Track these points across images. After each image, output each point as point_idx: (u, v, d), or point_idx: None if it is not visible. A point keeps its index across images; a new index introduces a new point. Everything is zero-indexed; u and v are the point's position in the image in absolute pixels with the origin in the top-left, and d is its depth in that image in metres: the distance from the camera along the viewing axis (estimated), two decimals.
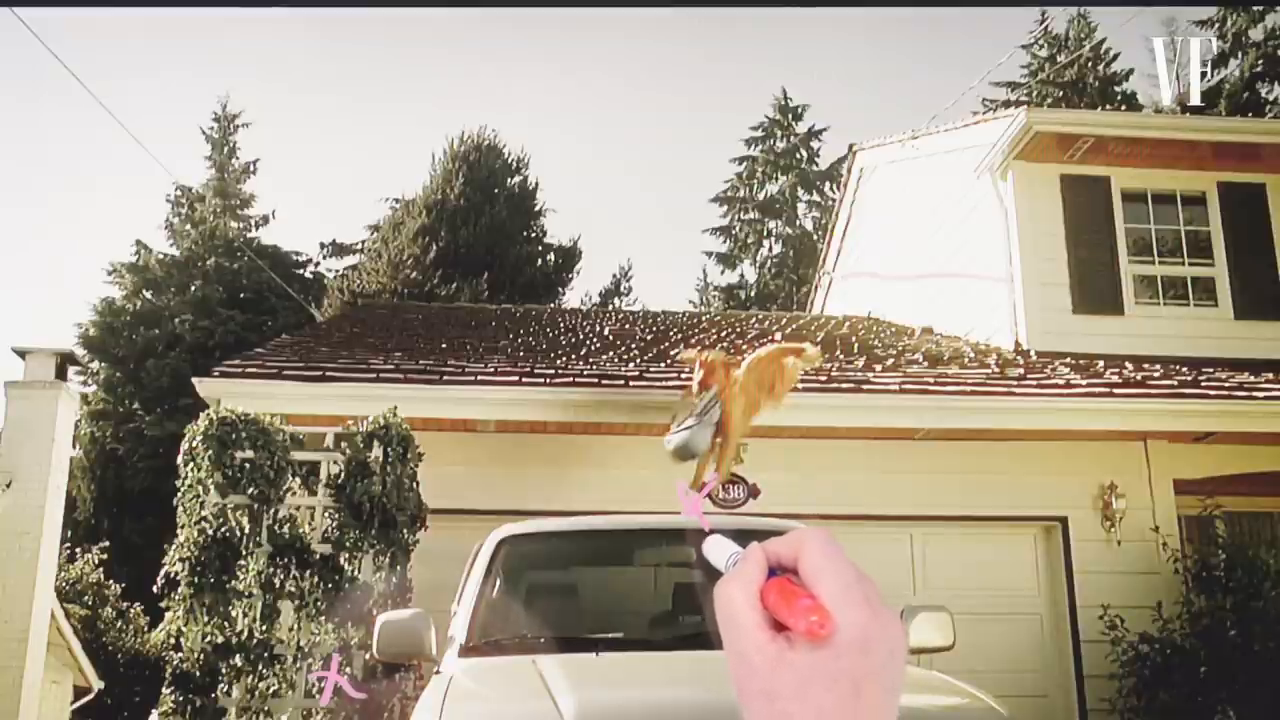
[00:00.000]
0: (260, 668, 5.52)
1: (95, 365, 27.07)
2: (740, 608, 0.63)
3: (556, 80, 51.77)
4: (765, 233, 32.70)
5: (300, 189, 48.64)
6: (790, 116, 33.24)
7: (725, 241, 32.80)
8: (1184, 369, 7.91)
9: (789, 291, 30.01)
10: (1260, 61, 23.72)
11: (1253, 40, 24.06)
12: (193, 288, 28.12)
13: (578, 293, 29.51)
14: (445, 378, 7.02)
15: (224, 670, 5.52)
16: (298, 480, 6.02)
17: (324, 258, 30.74)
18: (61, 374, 11.14)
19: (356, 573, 5.67)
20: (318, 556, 5.70)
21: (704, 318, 13.24)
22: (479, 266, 24.37)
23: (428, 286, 23.28)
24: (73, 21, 34.46)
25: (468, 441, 7.16)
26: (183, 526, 5.70)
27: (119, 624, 16.41)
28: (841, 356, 8.16)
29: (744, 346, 8.32)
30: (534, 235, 28.24)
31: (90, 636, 14.90)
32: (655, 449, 6.15)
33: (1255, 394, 7.26)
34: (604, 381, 7.09)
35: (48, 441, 10.64)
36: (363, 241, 29.68)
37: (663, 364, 7.79)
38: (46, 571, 10.74)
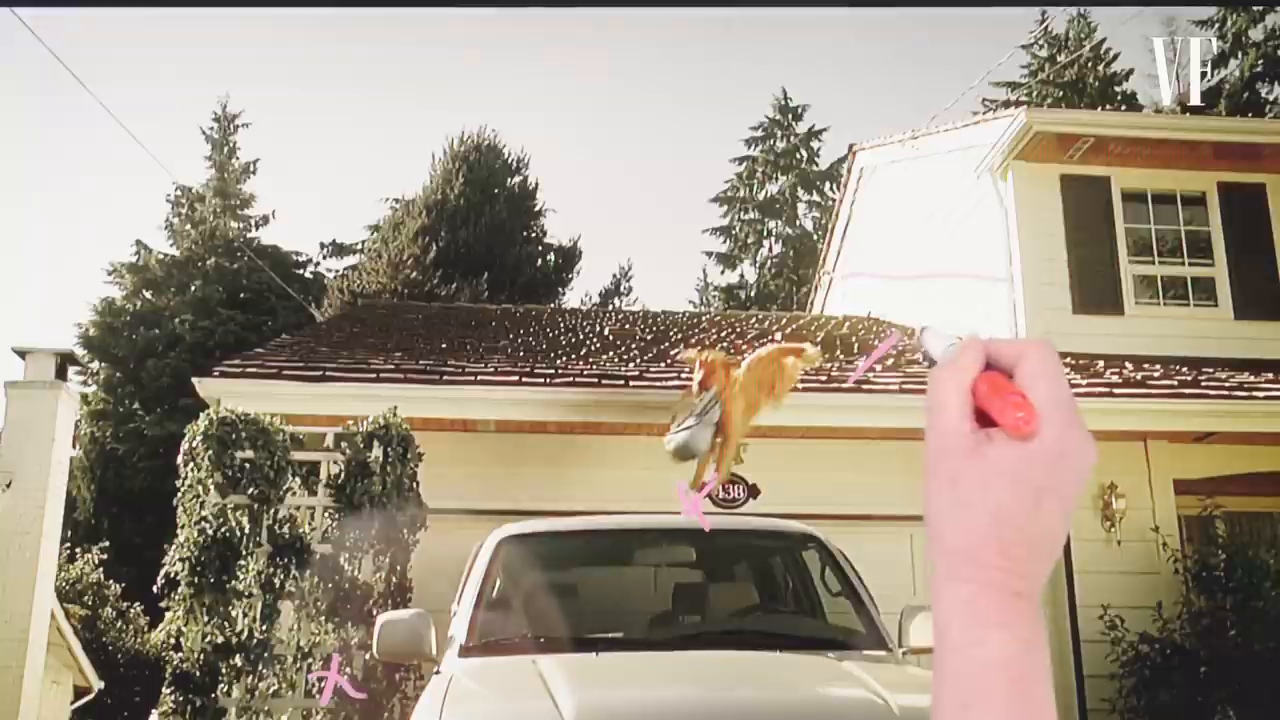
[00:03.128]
0: (260, 668, 5.52)
1: (95, 365, 27.07)
2: (949, 392, 0.64)
3: (556, 80, 51.80)
4: (765, 233, 32.71)
5: (300, 189, 48.66)
6: (790, 116, 33.26)
7: (725, 241, 32.81)
8: (1184, 369, 7.91)
9: (789, 291, 30.01)
10: (1260, 61, 23.71)
11: (1253, 40, 24.06)
12: (193, 288, 28.13)
13: (578, 293, 29.56)
14: (445, 378, 7.02)
15: (224, 670, 5.51)
16: (298, 480, 6.01)
17: (324, 258, 30.78)
18: (61, 374, 11.14)
19: (356, 573, 5.67)
20: (318, 556, 5.70)
21: (704, 318, 13.23)
22: (479, 266, 24.37)
23: (428, 286, 23.27)
24: (73, 21, 34.46)
25: (467, 441, 7.16)
26: (183, 526, 5.70)
27: (119, 624, 16.40)
28: (841, 356, 8.16)
29: (744, 346, 8.31)
30: (534, 235, 28.24)
31: (90, 636, 14.90)
32: (655, 449, 6.15)
33: (1255, 394, 7.26)
34: (604, 381, 7.09)
35: (48, 441, 10.64)
36: (363, 241, 29.69)
37: (663, 364, 7.79)
38: (46, 571, 10.74)
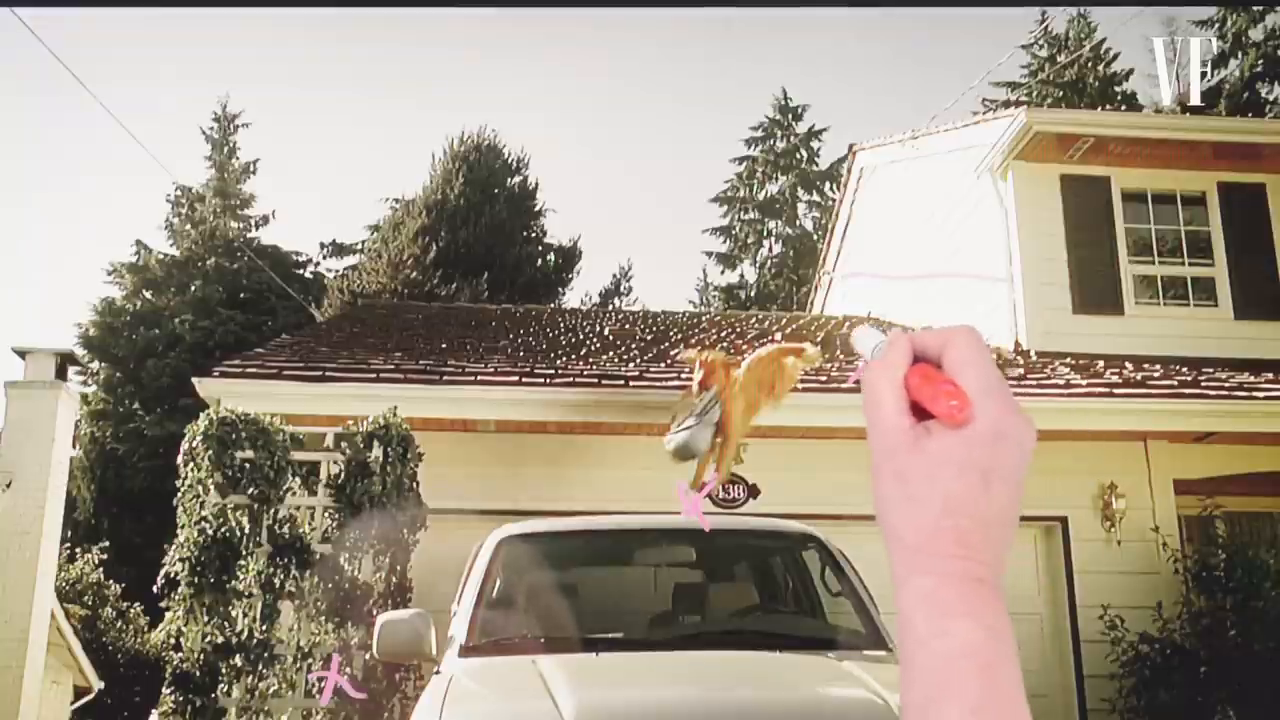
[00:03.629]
0: (260, 668, 5.52)
1: (95, 365, 27.08)
2: (884, 391, 0.65)
3: (556, 80, 51.80)
4: (765, 233, 32.71)
5: (300, 189, 48.67)
6: (790, 116, 33.26)
7: (725, 241, 32.81)
8: (1184, 369, 7.91)
9: (789, 291, 30.01)
10: (1260, 61, 23.71)
11: (1253, 40, 24.06)
12: (193, 288, 28.13)
13: (578, 293, 29.56)
14: (445, 378, 7.02)
15: (224, 670, 5.51)
16: (298, 480, 6.01)
17: (324, 258, 30.78)
18: (61, 374, 11.14)
19: (356, 573, 5.66)
20: (318, 556, 5.70)
21: (704, 318, 13.23)
22: (479, 266, 24.37)
23: (428, 286, 23.27)
24: (73, 21, 34.46)
25: (467, 441, 7.16)
26: (183, 526, 5.70)
27: (119, 624, 16.40)
28: (841, 356, 8.16)
29: (744, 346, 8.31)
30: (534, 235, 28.23)
31: (90, 636, 14.90)
32: (655, 449, 6.14)
33: (1255, 394, 7.26)
34: (604, 381, 7.09)
35: (48, 441, 10.64)
36: (363, 241, 29.69)
37: (663, 364, 7.79)
38: (46, 571, 10.74)
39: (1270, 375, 7.69)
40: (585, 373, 7.35)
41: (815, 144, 32.98)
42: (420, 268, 24.18)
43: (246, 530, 5.71)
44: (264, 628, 5.58)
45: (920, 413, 0.64)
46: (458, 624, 3.93)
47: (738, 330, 10.62)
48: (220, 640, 5.53)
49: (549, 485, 6.98)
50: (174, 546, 5.69)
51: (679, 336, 9.93)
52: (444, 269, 24.07)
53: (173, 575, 5.64)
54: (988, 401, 0.62)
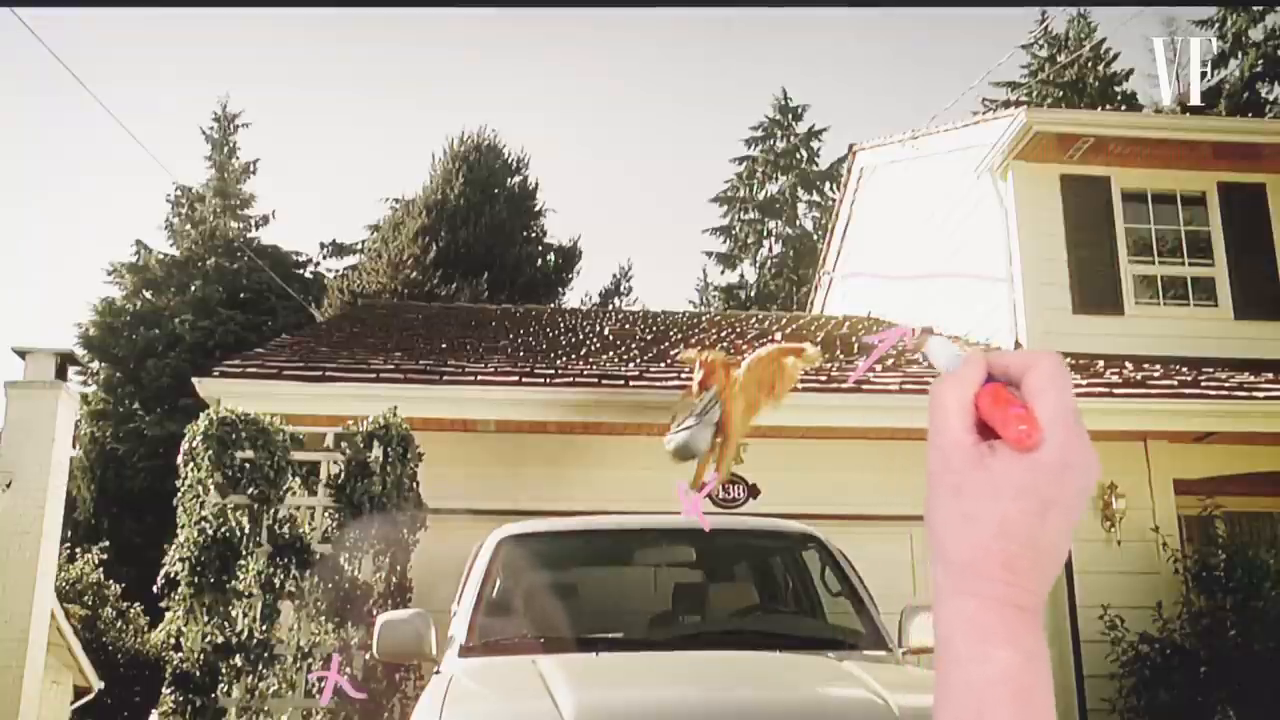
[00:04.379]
0: (260, 668, 5.52)
1: (95, 365, 27.08)
2: (952, 405, 0.64)
3: (556, 80, 51.80)
4: (765, 233, 32.71)
5: (300, 189, 48.67)
6: (790, 116, 33.26)
7: (725, 241, 32.82)
8: (1184, 369, 7.91)
9: (789, 291, 30.01)
10: (1260, 61, 23.71)
11: (1253, 40, 24.06)
12: (193, 288, 28.13)
13: (578, 293, 29.56)
14: (445, 378, 7.02)
15: (224, 670, 5.51)
16: (298, 480, 6.01)
17: (324, 258, 30.78)
18: (61, 374, 11.14)
19: (356, 573, 5.66)
20: (318, 556, 5.70)
21: (704, 318, 13.23)
22: (479, 266, 24.37)
23: (428, 286, 23.27)
24: (73, 21, 34.47)
25: (467, 441, 7.16)
26: (183, 526, 5.70)
27: (119, 624, 16.41)
28: (841, 356, 8.16)
29: (744, 346, 8.31)
30: (534, 235, 28.23)
31: (90, 636, 14.90)
32: (655, 449, 6.15)
33: (1255, 394, 7.26)
34: (604, 381, 7.09)
35: (48, 441, 10.64)
36: (363, 241, 29.68)
37: (663, 364, 7.79)
38: (46, 571, 10.74)
39: (1270, 375, 7.69)
40: (585, 373, 7.35)
41: (815, 144, 33.00)
42: (420, 268, 24.18)
43: (246, 530, 5.71)
44: (264, 628, 5.58)
45: (986, 433, 0.63)
46: (458, 624, 3.93)
47: (738, 330, 10.63)
48: (220, 640, 5.53)
49: (549, 485, 6.98)
50: (174, 546, 5.69)
51: (679, 336, 9.93)
52: (444, 269, 24.07)
53: (173, 575, 5.64)
54: (1059, 430, 0.62)
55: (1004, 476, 0.61)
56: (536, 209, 28.48)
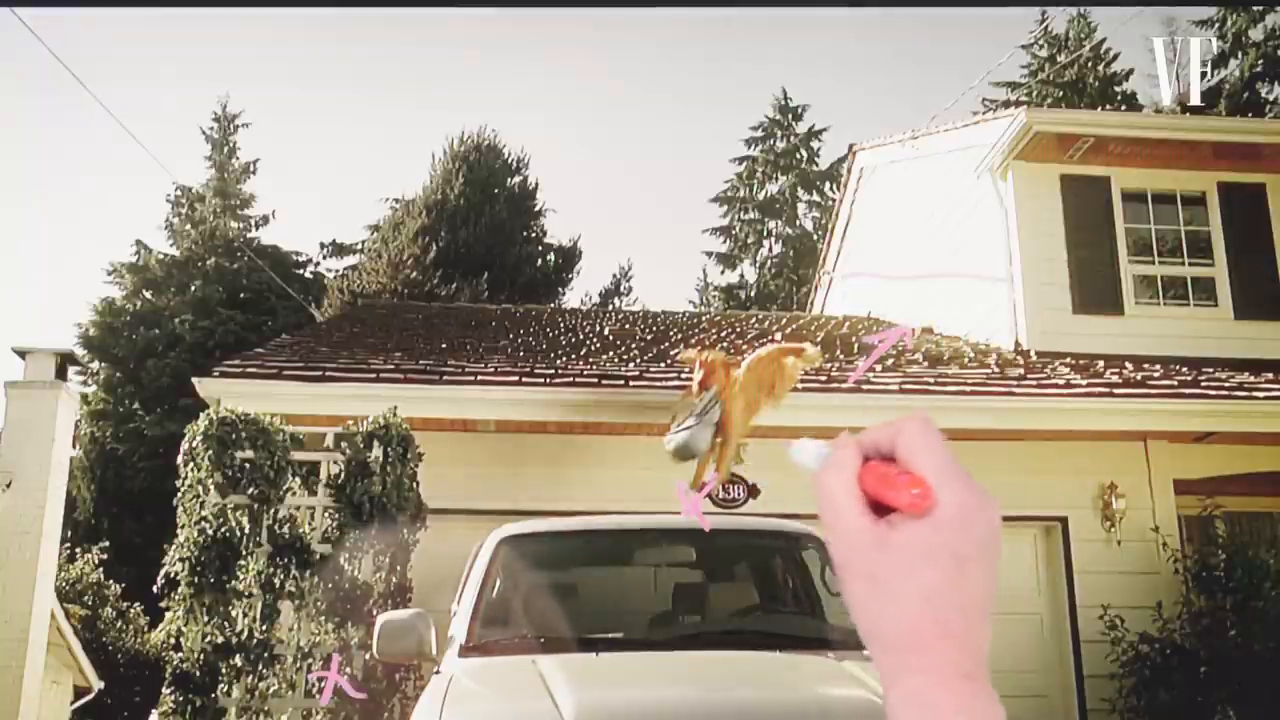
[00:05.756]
0: (260, 668, 5.52)
1: (95, 365, 27.08)
2: (840, 495, 0.64)
3: (556, 80, 51.81)
4: (765, 233, 32.71)
5: (300, 189, 48.67)
6: (790, 116, 33.26)
7: (725, 241, 32.81)
8: (1184, 369, 7.91)
9: (789, 291, 30.01)
10: (1260, 61, 23.71)
11: (1253, 40, 24.06)
12: (193, 288, 28.13)
13: (578, 293, 29.56)
14: (445, 378, 7.02)
15: (224, 670, 5.52)
16: (298, 480, 6.01)
17: (324, 258, 30.78)
18: (61, 374, 11.14)
19: (356, 573, 5.66)
20: (318, 556, 5.70)
21: (704, 318, 13.23)
22: (479, 266, 24.37)
23: (428, 286, 23.27)
24: (73, 21, 34.47)
25: (467, 441, 7.16)
26: (183, 526, 5.70)
27: (119, 624, 16.41)
28: (841, 356, 8.16)
29: (744, 346, 8.31)
30: (534, 235, 28.23)
31: (90, 636, 14.90)
32: (655, 449, 6.15)
33: (1255, 394, 7.26)
34: (604, 381, 7.09)
35: (48, 441, 10.64)
36: (363, 241, 29.68)
37: (663, 364, 7.79)
38: (46, 571, 10.74)
39: (1270, 375, 7.69)
40: (585, 373, 7.35)
41: (815, 144, 32.99)
42: (420, 268, 24.18)
43: (246, 530, 5.71)
44: (264, 628, 5.58)
45: (881, 511, 0.63)
46: (458, 624, 3.93)
47: (738, 330, 10.62)
48: (220, 640, 5.53)
49: (549, 485, 6.98)
50: (174, 546, 5.69)
51: (679, 336, 9.93)
52: (444, 269, 24.07)
53: (173, 575, 5.65)
54: (949, 484, 0.62)
55: (912, 546, 0.61)
56: (536, 209, 28.48)
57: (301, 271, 29.93)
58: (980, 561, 0.61)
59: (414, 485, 5.92)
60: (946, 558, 0.60)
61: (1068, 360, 8.14)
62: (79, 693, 14.22)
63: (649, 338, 9.87)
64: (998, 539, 0.63)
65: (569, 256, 28.59)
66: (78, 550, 17.13)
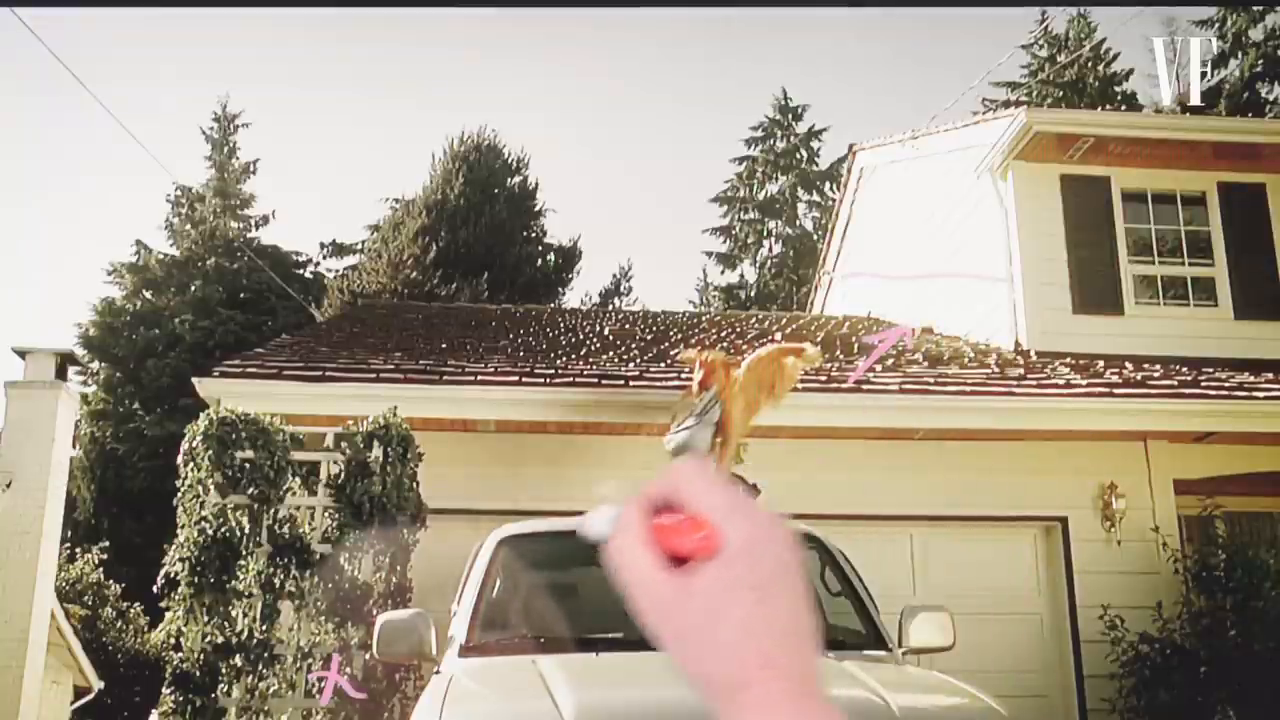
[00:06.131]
0: (260, 668, 5.52)
1: (95, 365, 27.08)
2: (633, 556, 0.64)
3: (557, 80, 51.80)
4: (765, 233, 32.70)
5: (300, 189, 48.66)
6: (790, 116, 33.25)
7: (725, 241, 32.81)
8: (1184, 369, 7.91)
9: (789, 291, 30.01)
10: (1260, 61, 23.71)
11: (1253, 40, 24.06)
12: (193, 288, 28.13)
13: (578, 293, 29.54)
14: (445, 378, 7.02)
15: (224, 670, 5.51)
16: (298, 480, 6.01)
17: (324, 258, 30.78)
18: (61, 374, 11.14)
19: (356, 573, 5.66)
20: (318, 556, 5.70)
21: (704, 318, 13.23)
22: (479, 266, 24.37)
23: (428, 286, 23.27)
24: (73, 21, 34.47)
25: (467, 441, 7.16)
26: (183, 526, 5.70)
27: (119, 624, 16.41)
28: (841, 356, 8.16)
29: (744, 346, 8.31)
30: (534, 235, 28.23)
31: (90, 636, 14.90)
32: (655, 449, 6.15)
33: (1255, 394, 7.26)
34: (604, 381, 7.09)
35: (48, 441, 10.64)
36: (363, 241, 29.68)
37: (663, 364, 7.79)
38: (46, 571, 10.74)
39: (1270, 375, 7.69)
40: (585, 373, 7.35)
41: (815, 144, 32.98)
42: (420, 268, 24.18)
43: (246, 530, 5.71)
44: (264, 628, 5.58)
45: (677, 562, 0.63)
46: (458, 624, 3.93)
47: (738, 330, 10.62)
48: (220, 640, 5.53)
49: (549, 485, 6.97)
50: (174, 546, 5.69)
51: (679, 336, 9.93)
52: (444, 269, 24.07)
53: (173, 575, 5.65)
54: (733, 520, 0.62)
55: (712, 588, 0.61)
56: (536, 209, 28.48)
57: (301, 271, 29.93)
58: (781, 588, 0.61)
59: (414, 485, 5.92)
60: (745, 592, 0.61)
61: (1068, 360, 8.14)
62: (79, 693, 14.23)
63: (649, 338, 9.87)
64: (794, 564, 0.63)
65: (569, 256, 28.59)
66: (78, 550, 17.13)
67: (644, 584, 0.64)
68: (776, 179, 32.91)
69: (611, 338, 9.82)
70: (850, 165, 13.43)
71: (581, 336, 9.89)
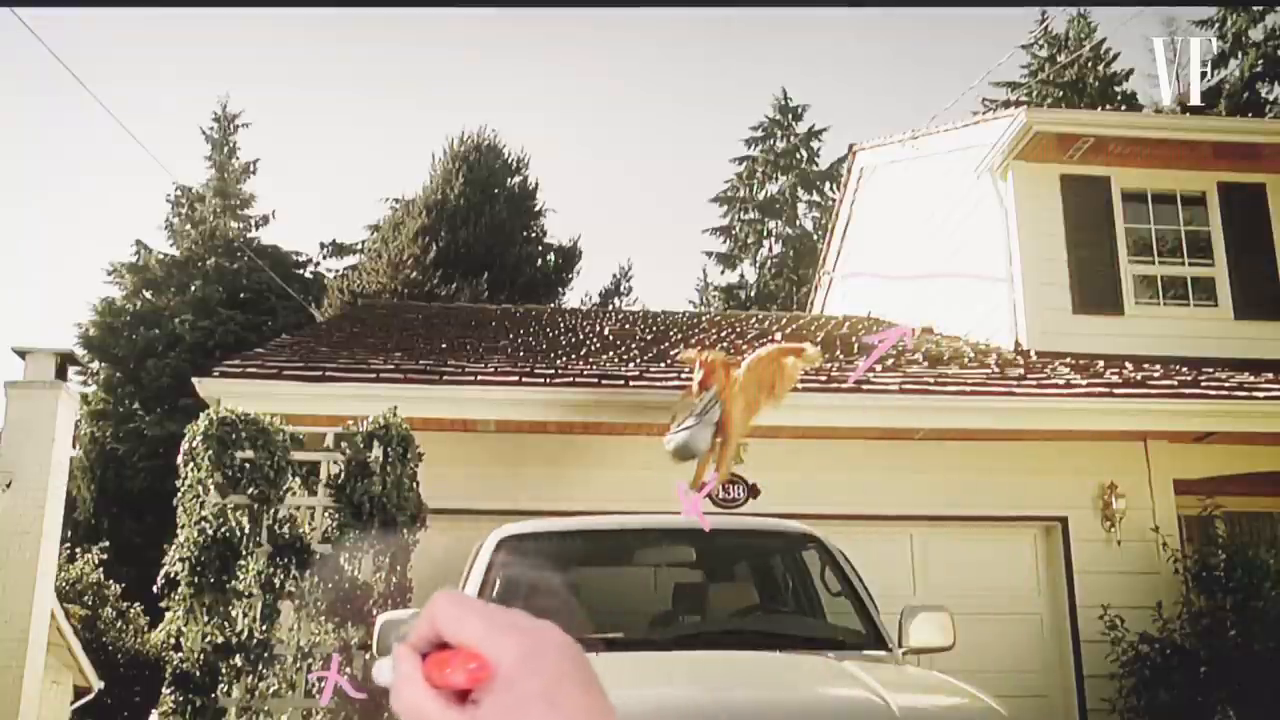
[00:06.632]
0: (260, 668, 5.51)
1: (95, 365, 27.08)
2: (416, 701, 0.63)
3: (556, 80, 51.79)
4: (765, 233, 32.70)
5: (300, 189, 48.64)
6: (790, 116, 33.25)
7: (725, 241, 32.81)
8: (1184, 369, 7.91)
9: (789, 291, 30.00)
10: (1260, 61, 23.71)
11: (1253, 40, 24.06)
12: (193, 288, 28.13)
13: (578, 293, 29.54)
14: (445, 378, 7.02)
15: (224, 670, 5.51)
16: (298, 480, 6.01)
17: (324, 258, 30.76)
18: (61, 374, 11.14)
19: (356, 573, 5.66)
20: (318, 556, 5.70)
21: (704, 318, 13.23)
22: (479, 266, 24.36)
23: (428, 286, 23.27)
24: (73, 21, 34.47)
25: (467, 441, 7.16)
26: (183, 526, 5.70)
27: (119, 624, 16.41)
28: (841, 356, 8.16)
29: (744, 346, 8.31)
30: (534, 235, 28.23)
31: (90, 636, 14.90)
32: (655, 449, 6.15)
33: (1255, 394, 7.26)
34: (604, 381, 7.09)
35: (48, 441, 10.64)
36: (363, 241, 29.67)
37: (663, 364, 7.79)
38: (46, 571, 10.74)
39: (1270, 375, 7.69)
40: (585, 373, 7.35)
41: (815, 144, 32.98)
42: (420, 268, 24.18)
43: (246, 530, 5.71)
44: (264, 628, 5.58)
45: (461, 697, 0.62)
46: None
47: (738, 330, 10.63)
48: (220, 640, 5.53)
49: (549, 485, 6.98)
50: (174, 546, 5.69)
51: (679, 336, 9.93)
52: (444, 269, 24.07)
53: (173, 575, 5.64)
54: (497, 640, 0.61)
55: (497, 712, 0.60)
56: (536, 209, 28.48)
57: (301, 271, 29.92)
58: (569, 686, 0.62)
59: (414, 485, 5.92)
60: (535, 702, 0.60)
61: (1068, 360, 8.14)
62: (79, 693, 14.22)
63: (649, 338, 9.88)
64: (577, 659, 0.63)
65: (569, 256, 28.59)
66: (78, 550, 17.12)
67: None
68: (776, 179, 32.91)
69: (611, 338, 9.82)
70: (850, 165, 13.44)
71: (581, 336, 9.89)
